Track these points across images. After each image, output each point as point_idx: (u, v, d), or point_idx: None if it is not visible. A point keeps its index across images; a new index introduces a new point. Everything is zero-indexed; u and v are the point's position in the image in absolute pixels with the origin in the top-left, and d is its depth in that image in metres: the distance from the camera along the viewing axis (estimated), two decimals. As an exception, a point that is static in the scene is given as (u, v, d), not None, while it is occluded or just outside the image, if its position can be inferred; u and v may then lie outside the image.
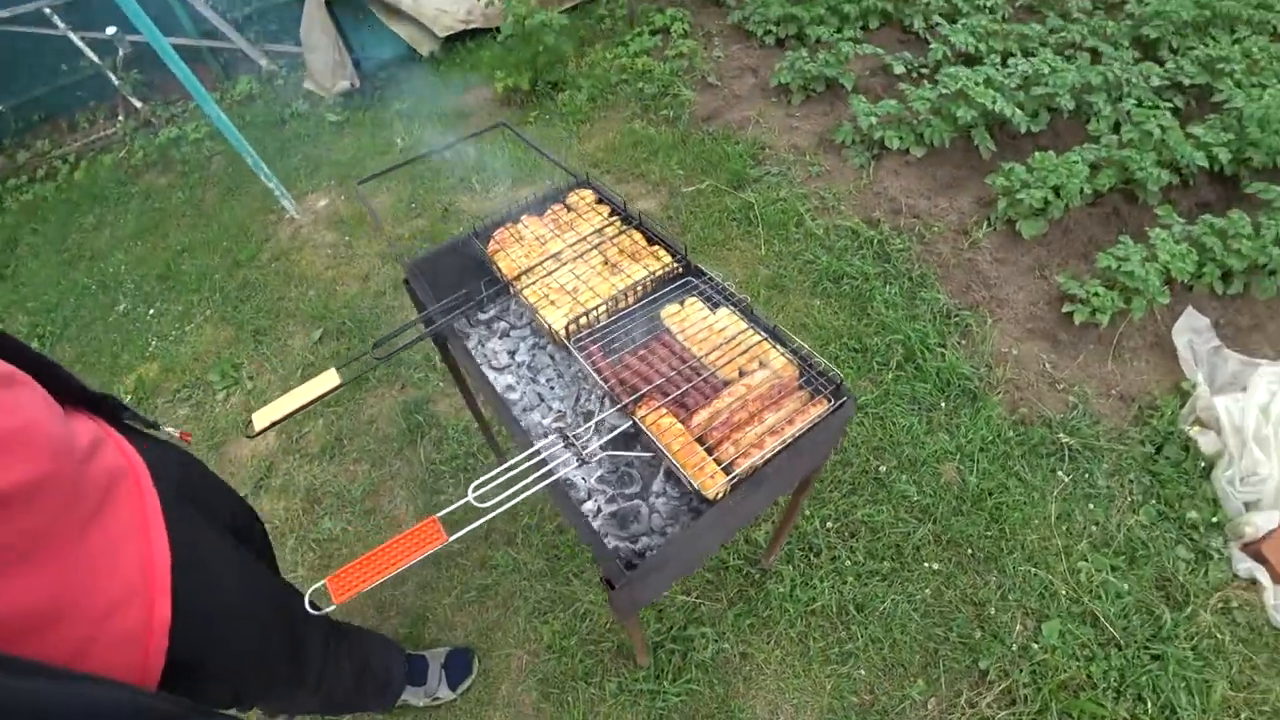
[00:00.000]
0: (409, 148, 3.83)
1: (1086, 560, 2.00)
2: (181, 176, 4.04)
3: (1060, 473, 2.21)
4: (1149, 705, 1.72)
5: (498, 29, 4.16)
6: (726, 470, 1.07)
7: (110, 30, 4.02)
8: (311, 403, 1.28)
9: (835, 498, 2.21)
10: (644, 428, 1.12)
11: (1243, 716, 1.72)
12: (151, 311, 3.25)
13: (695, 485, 1.04)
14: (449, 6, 4.31)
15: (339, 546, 2.29)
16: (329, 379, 1.30)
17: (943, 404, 2.45)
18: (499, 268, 1.46)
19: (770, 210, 3.19)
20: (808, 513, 2.16)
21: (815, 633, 1.93)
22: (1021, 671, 1.80)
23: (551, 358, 1.51)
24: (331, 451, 2.54)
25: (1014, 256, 2.89)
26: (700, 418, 1.15)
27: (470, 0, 4.33)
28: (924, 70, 3.71)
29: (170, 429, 1.29)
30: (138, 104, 4.32)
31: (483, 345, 1.57)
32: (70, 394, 0.96)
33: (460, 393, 1.97)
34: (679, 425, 1.13)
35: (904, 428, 2.38)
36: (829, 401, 1.17)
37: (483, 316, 1.61)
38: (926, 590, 1.98)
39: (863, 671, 1.85)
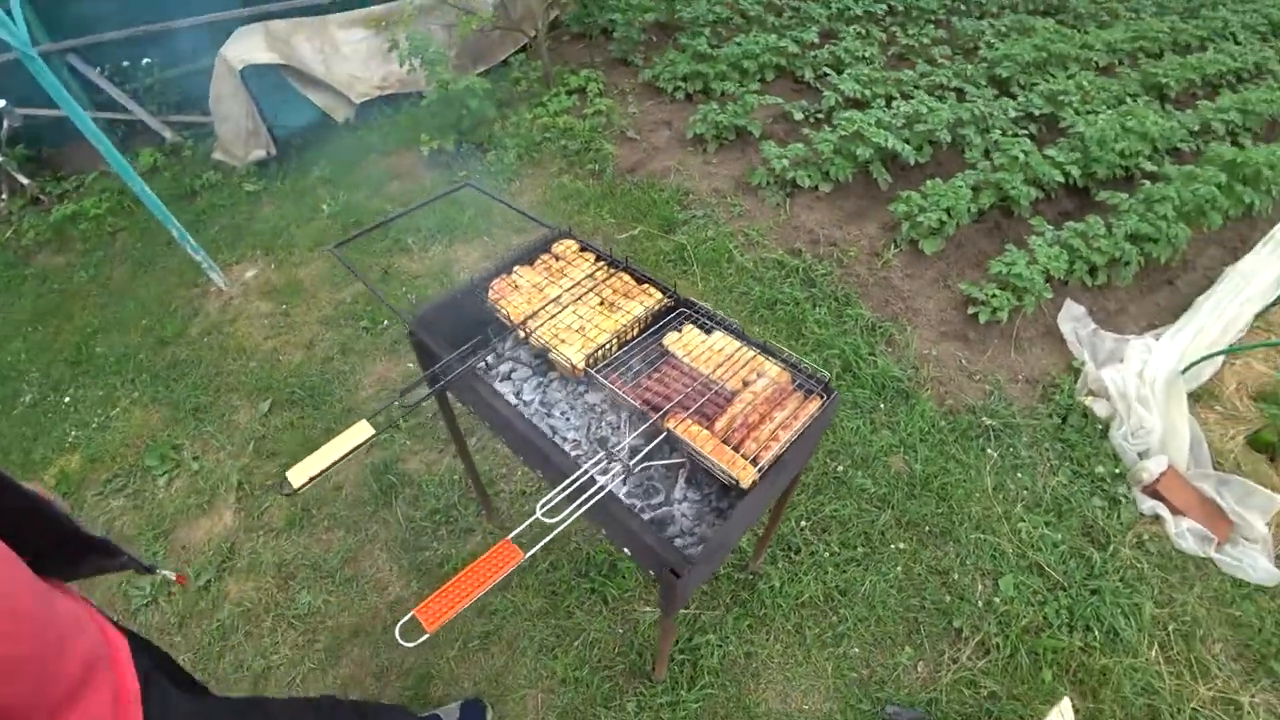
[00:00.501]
0: (337, 213, 3.85)
1: (1024, 521, 2.33)
2: (82, 255, 3.83)
3: (989, 450, 2.57)
4: (1096, 633, 2.05)
5: (418, 94, 4.31)
6: (754, 462, 1.26)
7: (-1, 103, 3.84)
8: (347, 455, 1.36)
9: (803, 500, 2.44)
10: (679, 435, 1.29)
11: (1170, 628, 2.08)
12: (67, 399, 3.05)
13: (734, 477, 1.22)
14: (362, 73, 4.42)
15: (322, 619, 2.25)
16: (362, 430, 1.39)
17: (881, 405, 2.77)
18: (506, 314, 1.60)
19: (702, 249, 3.49)
20: (785, 520, 2.38)
21: (808, 622, 2.12)
22: (989, 624, 2.08)
23: (560, 393, 1.65)
24: (300, 523, 2.50)
25: (920, 271, 3.33)
26: (721, 423, 1.33)
27: (384, 67, 4.46)
28: (820, 115, 4.21)
29: (166, 572, 1.26)
30: (24, 180, 4.08)
31: (485, 388, 1.68)
32: (62, 536, 0.93)
33: (452, 439, 2.04)
34: (705, 431, 1.31)
35: (852, 430, 2.67)
36: (822, 398, 1.40)
37: (483, 364, 1.73)
38: (897, 568, 2.23)
39: (856, 649, 2.06)
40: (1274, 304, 3.10)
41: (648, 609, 2.17)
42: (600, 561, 2.29)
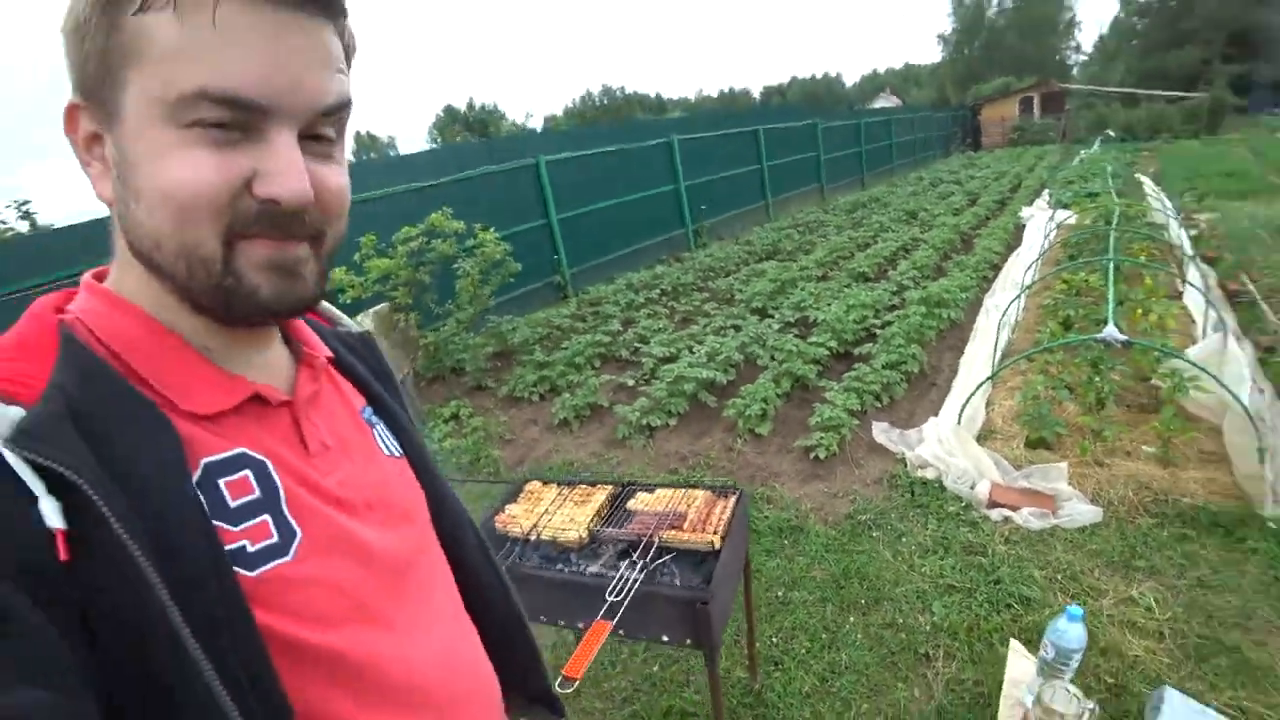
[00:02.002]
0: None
1: (924, 564, 3.29)
2: None
3: (874, 534, 3.58)
4: (1015, 605, 2.97)
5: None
6: (715, 533, 2.16)
7: None
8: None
9: (765, 625, 3.18)
10: (666, 539, 2.17)
11: (1059, 577, 3.09)
12: None
13: (710, 542, 2.10)
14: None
15: None
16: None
17: (785, 542, 3.72)
18: (519, 530, 2.44)
19: (602, 494, 4.48)
20: (757, 643, 3.08)
21: (819, 704, 2.74)
22: (943, 638, 2.88)
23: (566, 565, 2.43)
24: None
25: (765, 448, 4.60)
26: (685, 526, 2.24)
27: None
28: (647, 377, 5.76)
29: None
30: None
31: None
32: (536, 684, 0.97)
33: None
34: (680, 532, 2.21)
35: (774, 567, 3.55)
36: (736, 496, 2.39)
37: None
38: (858, 634, 3.00)
39: (865, 705, 2.69)
40: (997, 372, 4.80)
41: (696, 759, 2.66)
42: (641, 745, 2.76)
